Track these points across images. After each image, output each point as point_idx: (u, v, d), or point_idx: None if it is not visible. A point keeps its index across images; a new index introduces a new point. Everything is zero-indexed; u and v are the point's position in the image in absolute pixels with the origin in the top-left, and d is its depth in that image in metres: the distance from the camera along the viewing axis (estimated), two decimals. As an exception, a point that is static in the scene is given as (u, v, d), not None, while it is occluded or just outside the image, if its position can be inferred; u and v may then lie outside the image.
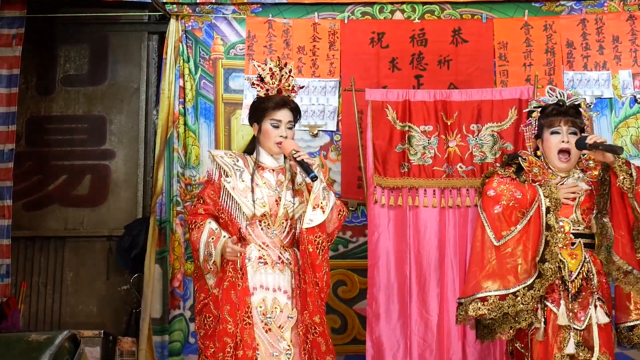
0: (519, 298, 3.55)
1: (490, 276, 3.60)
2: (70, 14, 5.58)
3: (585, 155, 3.80)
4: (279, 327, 3.66)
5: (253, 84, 3.88)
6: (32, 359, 3.08)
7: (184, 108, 5.21)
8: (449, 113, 4.66)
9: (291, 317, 3.69)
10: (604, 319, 3.59)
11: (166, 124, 5.17)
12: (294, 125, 3.88)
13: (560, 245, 3.61)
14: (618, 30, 5.21)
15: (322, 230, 3.72)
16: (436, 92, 4.72)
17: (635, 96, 5.16)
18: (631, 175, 3.53)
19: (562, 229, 3.65)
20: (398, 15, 5.35)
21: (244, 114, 5.15)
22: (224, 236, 3.65)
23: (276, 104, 3.80)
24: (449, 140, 4.63)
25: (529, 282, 3.56)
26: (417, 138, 4.65)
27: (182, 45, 5.26)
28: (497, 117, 4.65)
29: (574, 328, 3.57)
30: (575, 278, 3.63)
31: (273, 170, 3.84)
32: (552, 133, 3.79)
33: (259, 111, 3.85)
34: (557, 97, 3.83)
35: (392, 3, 5.33)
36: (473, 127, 4.65)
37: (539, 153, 3.86)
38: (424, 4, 5.33)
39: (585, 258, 3.67)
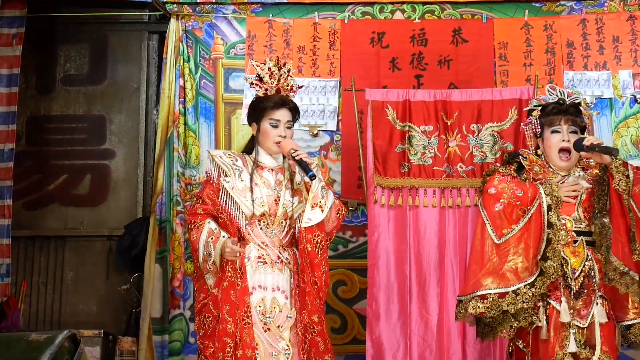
0: (519, 296, 3.53)
1: (490, 274, 3.58)
2: (71, 14, 5.58)
3: (585, 155, 3.81)
4: (278, 326, 3.65)
5: (252, 83, 3.88)
6: (32, 358, 3.08)
7: (184, 108, 5.21)
8: (449, 113, 4.65)
9: (290, 317, 3.68)
10: (603, 318, 3.59)
11: (166, 123, 5.17)
12: (293, 125, 3.87)
13: (562, 243, 3.59)
14: (618, 30, 5.21)
15: (321, 229, 3.71)
16: (436, 92, 4.71)
17: (635, 96, 5.15)
18: (627, 176, 3.51)
19: (564, 227, 3.64)
20: (398, 15, 5.35)
21: (244, 113, 5.13)
22: (223, 236, 3.65)
23: (275, 104, 3.80)
24: (449, 140, 4.63)
25: (530, 280, 3.54)
26: (417, 138, 4.64)
27: (183, 45, 5.26)
28: (497, 117, 4.64)
29: (577, 326, 3.56)
30: (578, 276, 3.62)
31: (272, 169, 3.84)
32: (553, 132, 3.78)
33: (257, 111, 3.85)
34: (557, 95, 3.81)
35: (392, 3, 5.33)
36: (473, 127, 4.65)
37: (539, 152, 3.85)
38: (424, 3, 5.33)
39: (587, 256, 3.66)
